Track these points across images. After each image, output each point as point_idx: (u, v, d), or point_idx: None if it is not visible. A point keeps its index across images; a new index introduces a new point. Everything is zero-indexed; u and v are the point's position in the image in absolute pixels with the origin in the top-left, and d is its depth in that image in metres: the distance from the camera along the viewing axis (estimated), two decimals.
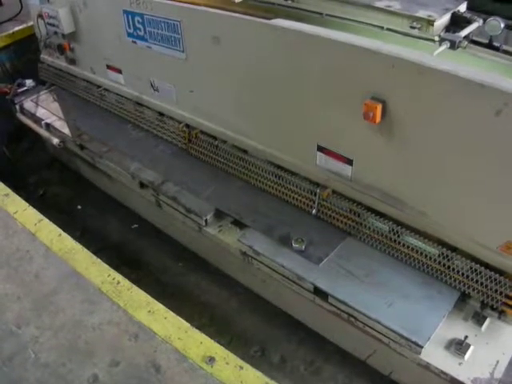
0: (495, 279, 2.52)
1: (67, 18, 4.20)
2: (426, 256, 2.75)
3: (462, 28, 2.68)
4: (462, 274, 2.63)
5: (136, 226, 4.50)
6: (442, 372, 2.51)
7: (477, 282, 2.59)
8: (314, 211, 3.14)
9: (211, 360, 2.30)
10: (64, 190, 5.07)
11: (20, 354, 2.42)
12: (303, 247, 2.99)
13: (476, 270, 2.57)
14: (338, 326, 2.99)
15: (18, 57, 5.55)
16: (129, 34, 3.75)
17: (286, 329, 3.49)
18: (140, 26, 3.59)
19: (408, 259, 2.84)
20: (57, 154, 5.20)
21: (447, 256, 2.65)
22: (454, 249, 2.65)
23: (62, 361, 2.38)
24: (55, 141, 4.41)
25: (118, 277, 2.76)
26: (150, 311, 2.56)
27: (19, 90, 4.97)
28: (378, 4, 2.84)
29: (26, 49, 5.43)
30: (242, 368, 2.28)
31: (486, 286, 2.56)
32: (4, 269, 2.87)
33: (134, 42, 3.75)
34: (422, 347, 2.48)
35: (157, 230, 4.33)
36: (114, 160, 3.99)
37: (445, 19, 2.71)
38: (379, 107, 2.44)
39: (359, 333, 2.80)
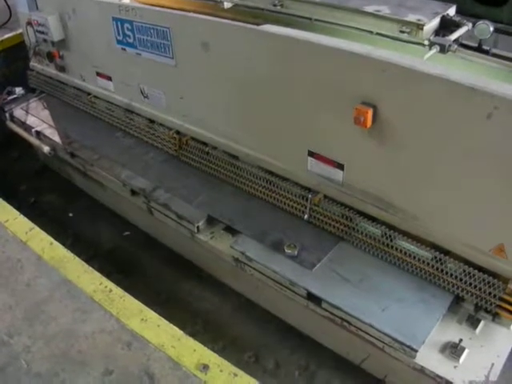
0: (488, 282, 2.53)
1: (56, 25, 4.20)
2: (419, 260, 2.75)
3: (452, 32, 2.69)
4: (456, 278, 2.64)
5: (128, 233, 4.48)
6: (437, 375, 2.50)
7: (470, 284, 2.59)
8: (305, 216, 3.14)
9: (205, 367, 2.29)
10: (55, 197, 5.04)
11: (12, 364, 2.40)
12: (296, 252, 2.98)
13: (469, 273, 2.57)
14: (332, 330, 2.98)
15: (7, 64, 5.54)
16: (118, 41, 3.75)
17: (279, 334, 3.48)
18: (129, 32, 3.58)
19: (401, 263, 2.84)
20: (48, 161, 5.17)
21: (440, 259, 2.66)
22: (446, 252, 2.65)
23: (55, 370, 2.36)
24: (46, 149, 4.39)
25: (110, 285, 2.75)
26: (142, 319, 2.55)
27: (9, 98, 4.95)
28: (367, 9, 2.85)
29: (16, 56, 5.42)
30: (236, 375, 2.27)
31: (480, 288, 2.57)
32: None
33: (124, 49, 3.74)
34: (416, 351, 2.48)
35: (149, 237, 4.32)
36: (105, 167, 3.98)
37: (434, 23, 2.73)
38: (370, 112, 2.45)
39: (353, 337, 2.79)
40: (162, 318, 2.56)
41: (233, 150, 3.44)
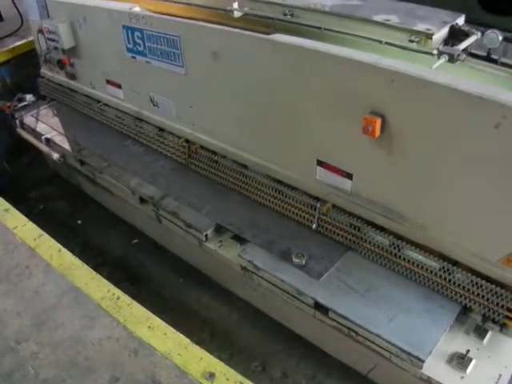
0: (496, 292, 2.51)
1: (67, 33, 4.22)
2: (426, 270, 2.74)
3: (461, 41, 2.68)
4: (463, 288, 2.63)
5: (136, 241, 4.49)
6: None
7: (478, 295, 2.58)
8: (314, 226, 3.13)
9: (211, 376, 2.28)
10: (64, 204, 5.07)
11: (19, 370, 2.40)
12: (304, 262, 2.98)
13: (477, 284, 2.56)
14: (339, 340, 2.98)
15: (18, 72, 5.57)
16: (128, 50, 3.76)
17: (286, 343, 3.48)
18: (139, 41, 3.60)
19: (409, 273, 2.83)
20: (57, 168, 5.20)
21: (448, 270, 2.65)
22: (454, 262, 2.64)
23: (61, 377, 2.36)
24: (55, 156, 4.42)
25: (118, 292, 2.75)
26: (149, 327, 2.55)
27: (19, 105, 4.98)
28: (377, 18, 2.84)
29: (27, 64, 5.44)
30: None
31: (488, 299, 2.56)
32: (3, 284, 2.86)
33: (134, 57, 3.76)
34: (423, 361, 2.47)
35: (157, 245, 4.32)
36: (114, 175, 4.00)
37: (443, 32, 2.71)
38: (378, 121, 2.44)
39: (360, 347, 2.78)
40: (169, 326, 2.56)
41: (242, 158, 3.45)
